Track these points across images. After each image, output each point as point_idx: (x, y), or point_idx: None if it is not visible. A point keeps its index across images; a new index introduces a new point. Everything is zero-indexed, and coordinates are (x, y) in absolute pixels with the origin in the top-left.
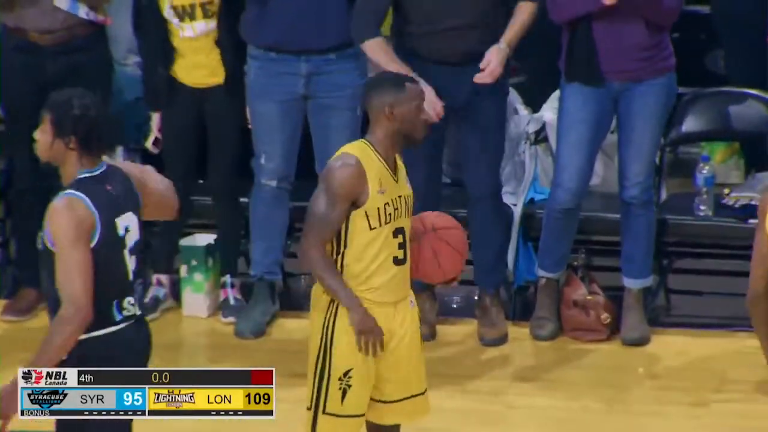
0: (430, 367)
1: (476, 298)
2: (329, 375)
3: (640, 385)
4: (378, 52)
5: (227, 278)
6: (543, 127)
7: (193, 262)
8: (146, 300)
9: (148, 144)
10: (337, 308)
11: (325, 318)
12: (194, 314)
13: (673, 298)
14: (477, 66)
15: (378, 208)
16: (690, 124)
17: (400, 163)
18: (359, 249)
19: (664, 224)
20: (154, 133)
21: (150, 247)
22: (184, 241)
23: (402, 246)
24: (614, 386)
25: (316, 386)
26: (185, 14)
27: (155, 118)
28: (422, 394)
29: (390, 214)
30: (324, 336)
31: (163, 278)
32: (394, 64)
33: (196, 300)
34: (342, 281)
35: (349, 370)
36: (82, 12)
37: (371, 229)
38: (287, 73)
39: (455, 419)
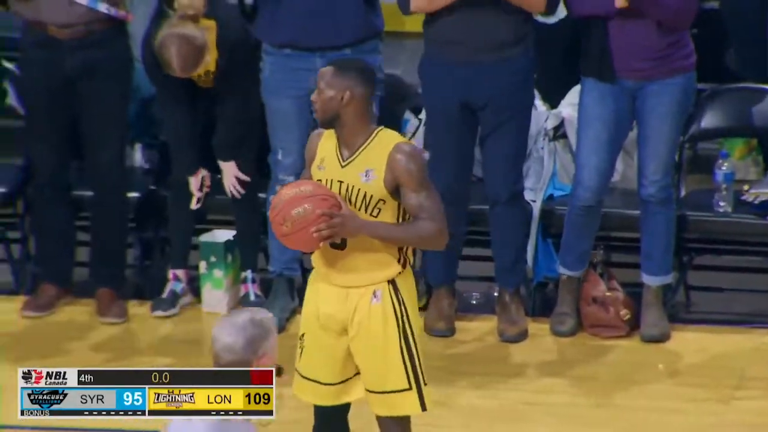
0: (449, 363)
1: (496, 294)
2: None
3: (659, 382)
4: None
5: (248, 274)
6: (562, 123)
7: (213, 258)
8: (164, 295)
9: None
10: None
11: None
12: (214, 310)
13: (692, 294)
14: (500, 64)
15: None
16: (709, 120)
17: (365, 155)
18: None
19: (684, 220)
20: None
21: (167, 243)
22: (204, 237)
23: None
24: (634, 382)
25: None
26: (198, 80)
27: (193, 182)
28: (401, 391)
29: None
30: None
31: (180, 273)
32: None
33: (215, 296)
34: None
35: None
36: (102, 7)
37: None
38: (302, 69)
39: (474, 415)
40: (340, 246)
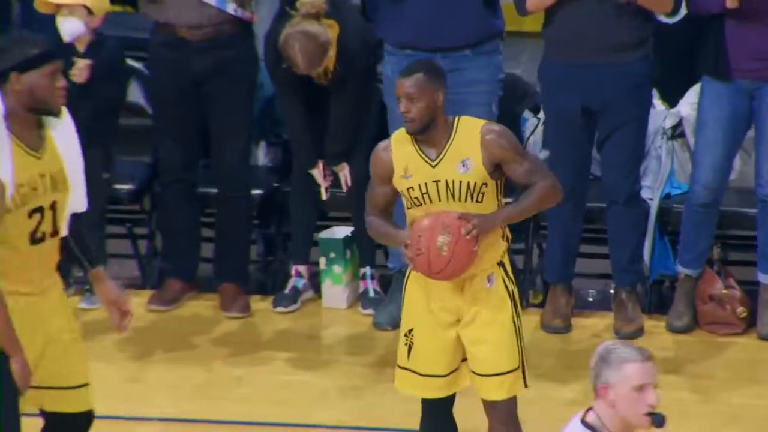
0: (566, 359)
1: (612, 292)
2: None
3: None
4: None
5: (367, 270)
6: (680, 123)
7: (332, 254)
8: (286, 291)
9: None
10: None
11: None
12: (334, 306)
13: None
14: (620, 68)
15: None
16: None
17: (455, 148)
18: None
19: None
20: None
21: (289, 239)
22: (323, 234)
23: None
24: (752, 380)
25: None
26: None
27: (316, 173)
28: (515, 370)
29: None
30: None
31: (302, 269)
32: None
33: (335, 291)
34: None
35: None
36: (230, 8)
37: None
38: None
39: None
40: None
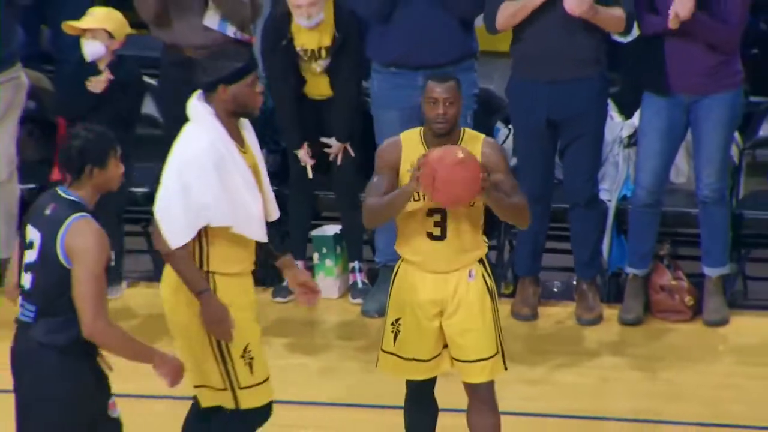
0: (532, 343)
1: (575, 283)
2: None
3: (720, 361)
4: (507, 7)
5: (355, 264)
6: (635, 133)
7: (324, 250)
8: (284, 283)
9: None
10: None
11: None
12: (326, 296)
13: (750, 284)
14: (580, 83)
15: None
16: (766, 129)
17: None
18: None
19: (742, 218)
20: (308, 162)
21: (287, 237)
22: (315, 232)
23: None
24: (697, 361)
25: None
26: (312, 56)
27: (302, 154)
28: (494, 356)
29: None
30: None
31: (299, 264)
32: (531, 2)
33: (327, 283)
34: None
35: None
36: (230, 31)
37: None
38: (406, 86)
39: (555, 390)
40: (441, 237)
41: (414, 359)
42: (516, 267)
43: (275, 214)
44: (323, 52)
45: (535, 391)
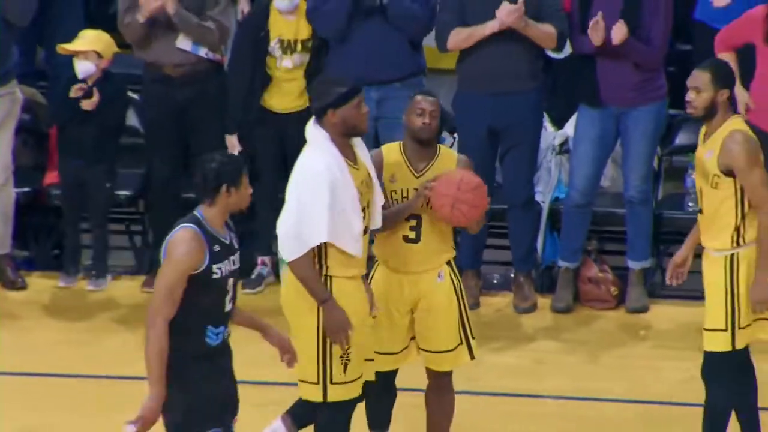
0: (476, 329)
1: (512, 276)
2: None
3: (640, 345)
4: (460, 33)
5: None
6: (566, 141)
7: None
8: (253, 276)
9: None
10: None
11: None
12: None
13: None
14: (518, 96)
15: None
16: (681, 138)
17: (438, 166)
18: None
19: (661, 218)
20: (236, 149)
21: (255, 235)
22: None
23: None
24: (620, 345)
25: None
26: (288, 47)
27: (232, 141)
28: (458, 346)
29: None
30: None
31: (266, 259)
32: (482, 29)
33: None
34: None
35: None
36: (202, 52)
37: None
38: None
39: (495, 372)
40: (415, 240)
41: (387, 353)
42: (460, 260)
43: (379, 223)
44: (298, 45)
45: (478, 371)
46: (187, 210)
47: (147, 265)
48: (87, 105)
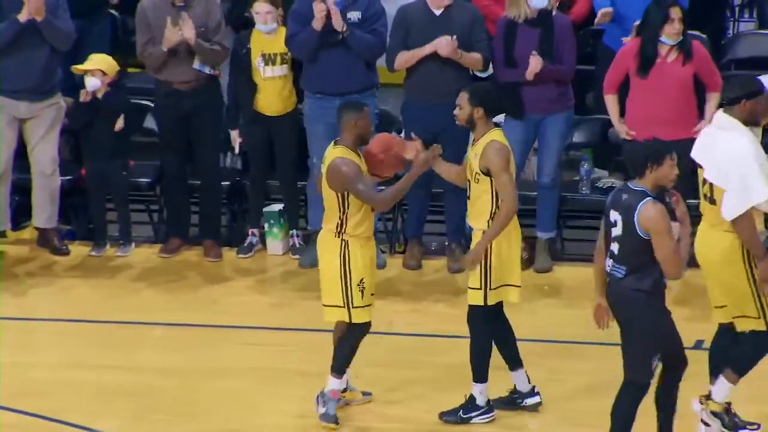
0: (419, 287)
1: (446, 244)
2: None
3: (545, 297)
4: (404, 55)
5: (293, 231)
6: None
7: (272, 221)
8: (245, 244)
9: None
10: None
11: None
12: (274, 253)
13: (566, 243)
14: (449, 106)
15: None
16: (577, 137)
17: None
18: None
19: (563, 199)
20: (237, 141)
21: (247, 212)
22: (266, 209)
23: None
24: (530, 299)
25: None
26: (269, 60)
27: (234, 134)
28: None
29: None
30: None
31: (255, 231)
32: (420, 51)
33: (275, 245)
34: None
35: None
36: (207, 69)
37: None
38: (328, 107)
39: (433, 318)
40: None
41: (371, 305)
42: (407, 231)
43: None
44: (278, 59)
45: (418, 317)
46: (193, 194)
47: (162, 236)
48: (83, 96)
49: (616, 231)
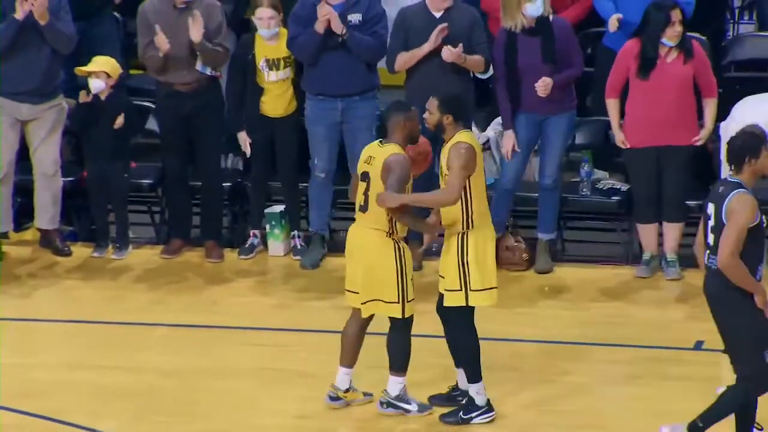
0: (421, 284)
1: None
2: None
3: (545, 298)
4: (403, 56)
5: (295, 232)
6: (487, 141)
7: (273, 222)
8: (246, 245)
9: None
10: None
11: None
12: (275, 254)
13: (567, 244)
14: None
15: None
16: (578, 138)
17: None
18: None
19: (564, 200)
20: (247, 142)
21: (248, 213)
22: (268, 210)
23: None
24: (529, 300)
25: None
26: (273, 64)
27: (242, 136)
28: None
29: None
30: None
31: (257, 232)
32: (419, 51)
33: (276, 246)
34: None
35: None
36: (208, 71)
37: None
38: (329, 109)
39: (435, 320)
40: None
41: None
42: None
43: None
44: (281, 63)
45: (418, 317)
46: (194, 195)
47: (164, 236)
48: (83, 97)
49: (711, 222)
